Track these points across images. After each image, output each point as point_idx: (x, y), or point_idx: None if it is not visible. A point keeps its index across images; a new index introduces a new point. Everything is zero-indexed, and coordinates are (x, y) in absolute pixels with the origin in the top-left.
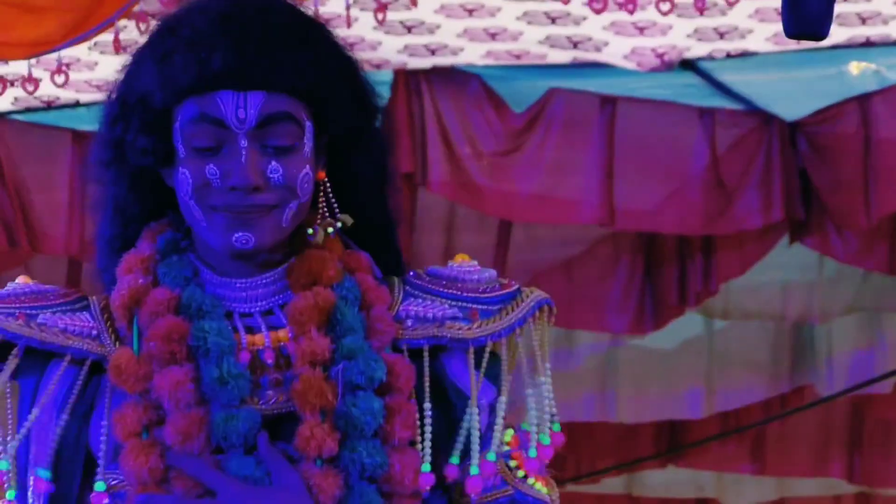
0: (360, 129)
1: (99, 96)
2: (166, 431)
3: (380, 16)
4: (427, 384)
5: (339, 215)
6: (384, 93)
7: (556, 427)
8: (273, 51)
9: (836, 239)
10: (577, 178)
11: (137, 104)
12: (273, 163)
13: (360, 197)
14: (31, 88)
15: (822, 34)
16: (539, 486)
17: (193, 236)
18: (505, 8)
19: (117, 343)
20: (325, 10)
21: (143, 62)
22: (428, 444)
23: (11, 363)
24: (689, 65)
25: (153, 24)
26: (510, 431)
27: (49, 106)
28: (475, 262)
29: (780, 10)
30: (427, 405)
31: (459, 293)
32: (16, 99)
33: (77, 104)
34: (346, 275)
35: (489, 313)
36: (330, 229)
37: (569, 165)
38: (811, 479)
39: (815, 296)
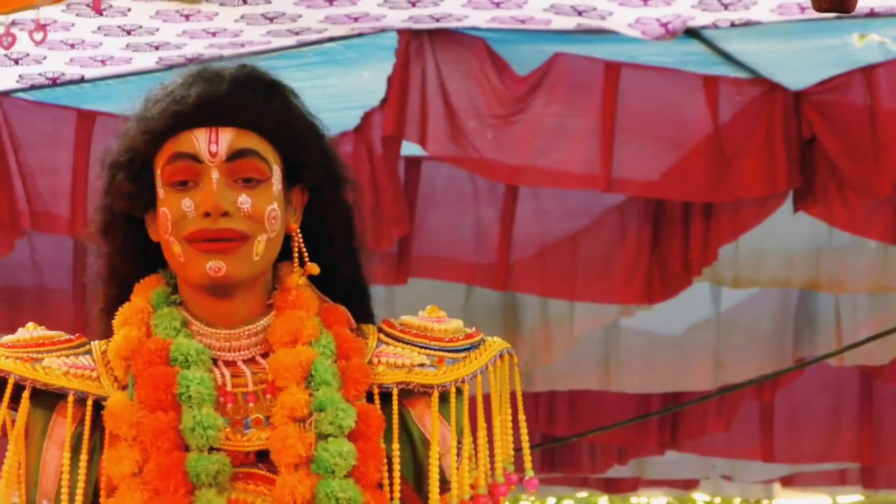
0: (330, 186)
1: (105, 71)
2: (149, 469)
3: None
4: (395, 427)
5: (306, 264)
6: (388, 58)
7: (510, 468)
8: (243, 92)
9: (839, 208)
10: (579, 144)
11: (123, 160)
12: (243, 195)
13: (333, 252)
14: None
15: (850, 7)
16: None
17: (181, 289)
18: None
19: (115, 385)
20: None
21: (129, 124)
22: (396, 482)
23: (24, 404)
24: (693, 34)
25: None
26: (474, 473)
27: (54, 83)
28: (444, 314)
29: None
30: (395, 446)
31: (428, 342)
32: (20, 76)
33: (83, 80)
34: (323, 329)
35: (454, 361)
36: (302, 280)
37: (571, 131)
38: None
39: (823, 267)
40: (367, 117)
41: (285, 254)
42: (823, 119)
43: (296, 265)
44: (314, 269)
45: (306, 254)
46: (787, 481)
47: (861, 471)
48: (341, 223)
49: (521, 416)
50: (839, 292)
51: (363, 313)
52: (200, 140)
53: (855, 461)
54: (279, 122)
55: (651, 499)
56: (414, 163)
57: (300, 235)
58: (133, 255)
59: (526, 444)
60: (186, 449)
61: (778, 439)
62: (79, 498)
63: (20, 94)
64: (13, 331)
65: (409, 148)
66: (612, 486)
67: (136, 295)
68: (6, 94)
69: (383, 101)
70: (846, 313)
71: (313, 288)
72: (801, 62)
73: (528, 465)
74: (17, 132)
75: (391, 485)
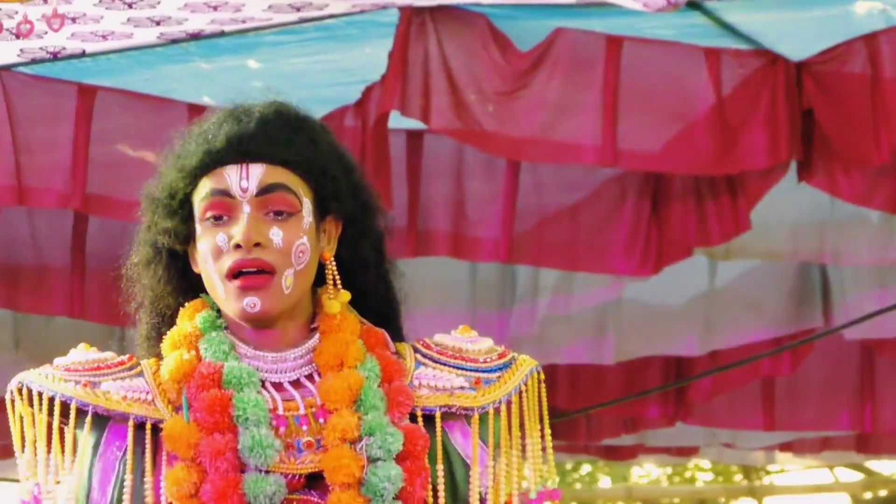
0: (361, 216)
1: (106, 46)
2: (206, 490)
3: None
4: (439, 448)
5: (339, 291)
6: (389, 34)
7: (552, 484)
8: (272, 129)
9: (842, 178)
10: (582, 119)
11: (162, 197)
12: (274, 227)
13: (367, 277)
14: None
15: None
16: None
17: (224, 314)
18: None
19: (169, 406)
20: None
21: (166, 163)
22: (441, 500)
23: (87, 427)
24: (695, 5)
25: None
26: (507, 490)
27: (55, 57)
28: (475, 333)
29: None
30: (440, 466)
31: (464, 363)
32: (21, 51)
33: (83, 54)
34: (367, 353)
35: (490, 381)
36: (343, 299)
37: (574, 105)
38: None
39: (827, 238)
40: (367, 92)
41: (324, 278)
42: (820, 90)
43: (331, 292)
44: (346, 296)
45: (339, 281)
46: (787, 448)
47: (858, 438)
48: (373, 249)
49: (548, 431)
50: (842, 264)
51: (395, 331)
52: (232, 176)
53: (855, 430)
54: (307, 157)
55: (649, 467)
56: (416, 137)
57: (334, 264)
58: (174, 285)
59: (551, 457)
60: (242, 471)
61: (779, 409)
62: None
63: (20, 69)
64: (12, 307)
65: (412, 122)
66: (612, 454)
67: (182, 319)
68: (6, 68)
69: (384, 76)
70: (849, 285)
71: (354, 311)
72: (803, 32)
73: (552, 474)
74: (17, 106)
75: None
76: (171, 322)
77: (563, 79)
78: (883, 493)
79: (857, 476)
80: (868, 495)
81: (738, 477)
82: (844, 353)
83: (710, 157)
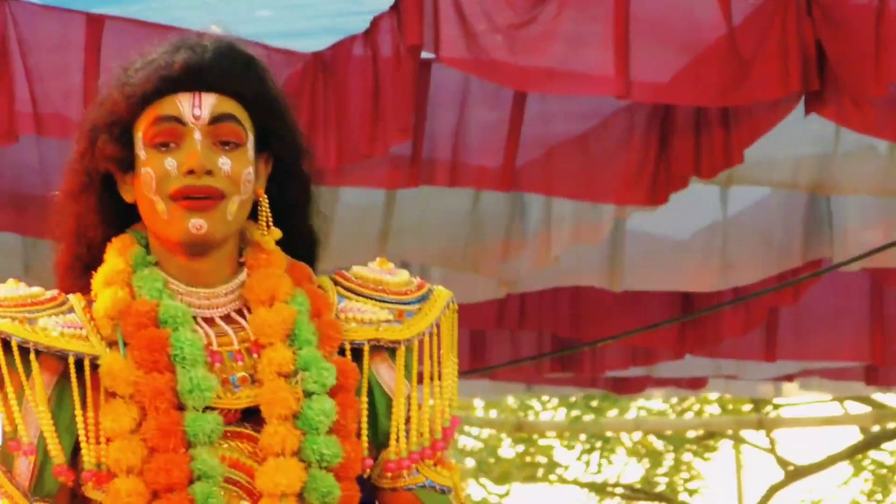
0: (294, 158)
1: None
2: (148, 427)
3: None
4: (366, 383)
5: (270, 228)
6: None
7: (454, 410)
8: (226, 62)
9: (852, 110)
10: (593, 50)
11: (104, 123)
12: (223, 157)
13: (294, 216)
14: None
15: None
16: (445, 473)
17: (155, 249)
18: None
19: (103, 343)
20: None
21: (109, 91)
22: (366, 432)
23: (34, 366)
24: None
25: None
26: (425, 420)
27: None
28: (392, 265)
29: None
30: (364, 399)
31: (386, 295)
32: None
33: None
34: (296, 288)
35: (412, 314)
36: (275, 236)
37: (584, 37)
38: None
39: (832, 170)
40: (376, 22)
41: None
42: (827, 21)
43: (263, 229)
44: (277, 233)
45: (271, 218)
46: (793, 379)
47: (866, 369)
48: (302, 190)
49: (456, 360)
50: (846, 195)
51: (313, 266)
52: (185, 104)
53: (863, 360)
54: (257, 92)
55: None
56: (423, 66)
57: (266, 200)
58: (104, 214)
59: (456, 385)
60: (181, 408)
61: (783, 340)
62: (64, 448)
63: None
64: (20, 231)
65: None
66: (620, 386)
67: (112, 255)
68: None
69: (393, 7)
70: (854, 217)
71: (278, 247)
72: None
73: (455, 401)
74: (26, 36)
75: (360, 436)
76: (95, 253)
77: (573, 10)
78: (892, 425)
79: (865, 409)
80: (876, 428)
81: (747, 407)
82: (852, 284)
83: (720, 88)
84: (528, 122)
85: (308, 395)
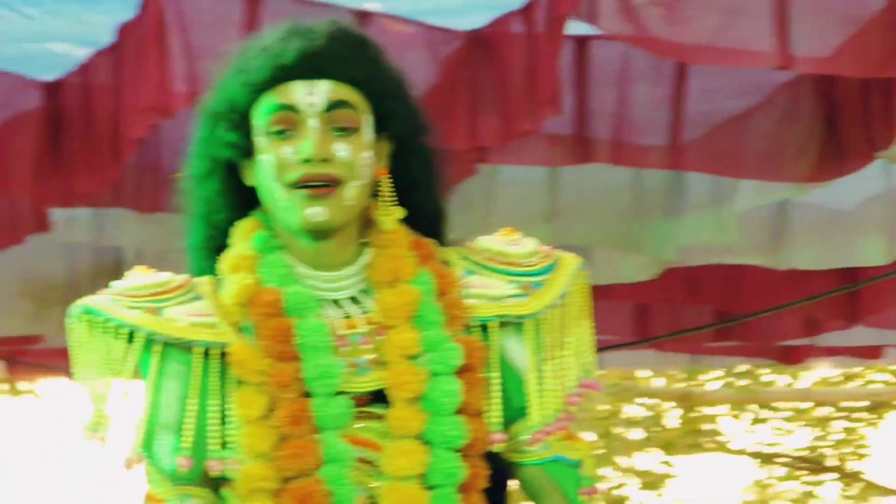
0: (414, 135)
1: None
2: (279, 415)
3: None
4: (495, 361)
5: (393, 208)
6: None
7: (592, 375)
8: (339, 47)
9: None
10: (754, 22)
11: (223, 110)
12: (339, 143)
13: (417, 194)
14: None
15: None
16: (574, 447)
17: (280, 232)
18: None
19: (231, 329)
20: None
21: (227, 77)
22: (497, 409)
23: (154, 359)
24: None
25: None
26: (556, 392)
27: None
28: (519, 235)
29: None
30: (495, 375)
31: (512, 268)
32: None
33: None
34: (420, 267)
35: (538, 285)
36: (397, 216)
37: (743, 7)
38: None
39: None
40: None
41: (372, 196)
42: None
43: (384, 209)
44: (399, 213)
45: (393, 198)
46: None
47: None
48: (425, 167)
49: (591, 326)
50: None
51: (441, 240)
52: (299, 92)
53: None
54: (371, 75)
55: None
56: (582, 43)
57: (388, 180)
58: (229, 198)
59: (593, 350)
60: (310, 395)
61: None
62: (206, 432)
63: None
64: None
65: (577, 28)
66: (787, 356)
67: (237, 239)
68: None
69: None
70: None
71: (402, 225)
72: None
73: (594, 367)
74: (184, 13)
75: (492, 412)
76: (223, 234)
77: None
78: None
79: None
80: None
81: None
82: None
83: (883, 59)
84: (691, 98)
85: (433, 376)
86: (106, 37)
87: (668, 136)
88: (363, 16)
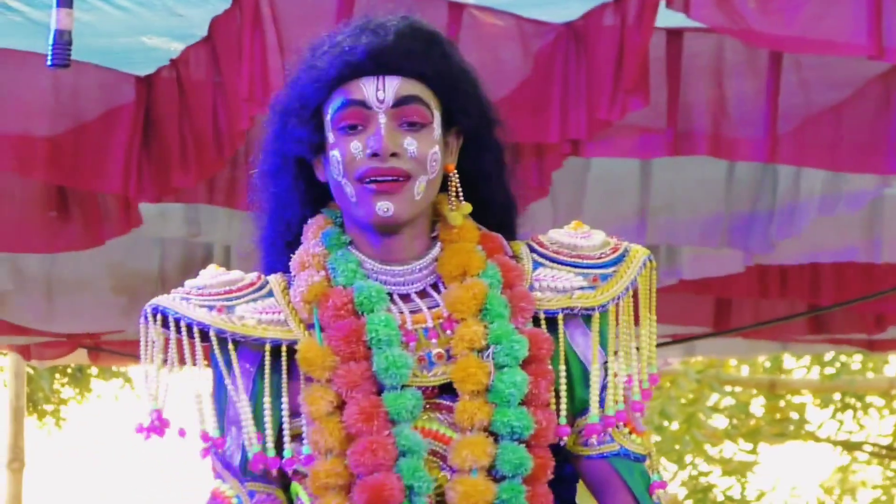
0: (485, 129)
1: None
2: (350, 412)
3: None
4: (563, 353)
5: (461, 203)
6: None
7: (654, 369)
8: (408, 42)
9: None
10: (845, 10)
11: (295, 106)
12: (408, 138)
13: (488, 187)
14: None
15: None
16: (639, 441)
17: (349, 228)
18: None
19: (301, 326)
20: None
21: (297, 74)
22: (564, 401)
23: (228, 356)
24: None
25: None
26: (620, 385)
27: None
28: (587, 227)
29: None
30: (562, 367)
31: (581, 260)
32: None
33: None
34: (488, 260)
35: (606, 277)
36: (465, 211)
37: None
38: None
39: None
40: None
41: (442, 190)
42: None
43: (453, 203)
44: (467, 208)
45: (461, 193)
46: None
47: None
48: (495, 161)
49: (654, 318)
50: None
51: (510, 233)
52: (369, 87)
53: None
54: (440, 70)
55: None
56: (675, 35)
57: (457, 176)
58: (300, 194)
59: (654, 343)
60: (381, 389)
61: None
62: (268, 434)
63: None
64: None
65: (671, 20)
66: (875, 344)
67: (308, 237)
68: None
69: None
70: None
71: (470, 219)
72: None
73: (655, 360)
74: (279, 5)
75: (558, 404)
76: (295, 231)
77: None
78: None
79: None
80: None
81: None
82: None
83: None
84: (785, 91)
85: (500, 368)
86: (200, 30)
87: (763, 129)
88: (456, 7)
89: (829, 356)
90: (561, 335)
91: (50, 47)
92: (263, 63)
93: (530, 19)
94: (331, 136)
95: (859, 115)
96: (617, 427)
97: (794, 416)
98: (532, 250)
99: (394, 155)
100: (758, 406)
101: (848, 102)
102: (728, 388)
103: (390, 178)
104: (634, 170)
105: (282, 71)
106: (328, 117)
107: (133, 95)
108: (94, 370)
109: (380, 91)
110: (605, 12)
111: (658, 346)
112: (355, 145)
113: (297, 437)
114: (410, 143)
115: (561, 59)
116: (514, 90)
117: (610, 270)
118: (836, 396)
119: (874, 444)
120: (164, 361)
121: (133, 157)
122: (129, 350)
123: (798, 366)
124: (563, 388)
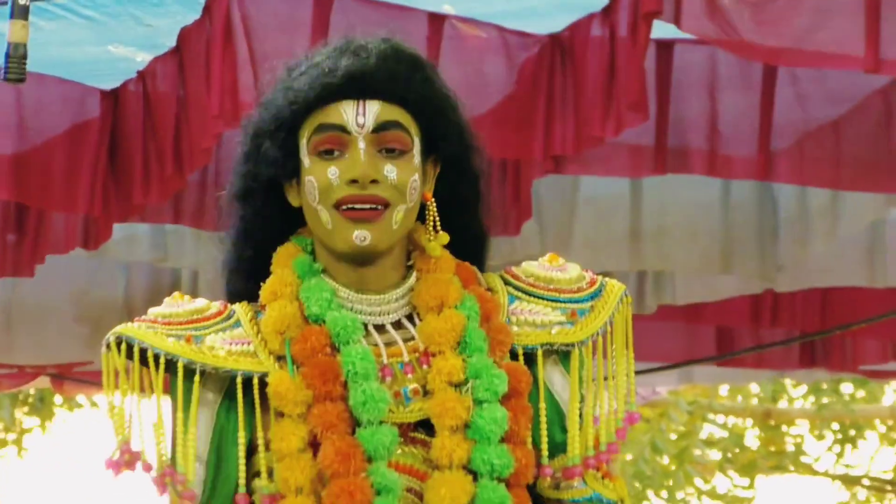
0: (464, 156)
1: None
2: (325, 454)
3: None
4: (542, 389)
5: (438, 232)
6: None
7: (633, 407)
8: (390, 66)
9: None
10: (841, 22)
11: (269, 127)
12: (388, 165)
13: (464, 216)
14: None
15: None
16: (612, 486)
17: (320, 256)
18: None
19: (271, 358)
20: None
21: (274, 93)
22: (545, 439)
23: (196, 390)
24: None
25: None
26: (595, 428)
27: None
28: (563, 260)
29: None
30: (542, 405)
31: (558, 294)
32: None
33: None
34: (465, 292)
35: (584, 312)
36: (443, 241)
37: (832, 8)
38: None
39: None
40: None
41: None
42: None
43: (430, 233)
44: (444, 238)
45: (439, 222)
46: None
47: None
48: (472, 189)
49: (632, 355)
50: None
51: (481, 263)
52: (348, 112)
53: None
54: (422, 96)
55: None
56: (665, 47)
57: (435, 205)
58: (270, 220)
59: (633, 380)
60: (355, 425)
61: None
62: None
63: None
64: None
65: (661, 31)
66: (873, 374)
67: (278, 266)
68: None
69: None
70: None
71: (446, 250)
72: None
73: (633, 397)
74: (252, 16)
75: (536, 443)
76: (263, 257)
77: None
78: None
79: None
80: None
81: None
82: None
83: None
84: (782, 106)
85: (479, 403)
86: (168, 40)
87: (757, 146)
88: (437, 19)
89: (826, 384)
90: (540, 373)
91: (2, 61)
92: (234, 77)
93: (514, 31)
94: (306, 161)
95: (860, 131)
96: (589, 471)
97: (791, 448)
98: (507, 283)
99: (373, 182)
100: (752, 438)
101: (847, 117)
102: (721, 419)
103: (369, 205)
104: (625, 190)
105: (253, 87)
106: (304, 140)
107: (98, 110)
108: (58, 399)
109: (360, 116)
110: (592, 23)
111: (650, 371)
112: (332, 170)
113: (262, 473)
114: (391, 171)
115: (546, 72)
116: (497, 104)
117: (587, 305)
118: (835, 426)
119: (873, 479)
120: (130, 391)
121: (99, 174)
122: (94, 378)
123: (795, 396)
124: (544, 425)
